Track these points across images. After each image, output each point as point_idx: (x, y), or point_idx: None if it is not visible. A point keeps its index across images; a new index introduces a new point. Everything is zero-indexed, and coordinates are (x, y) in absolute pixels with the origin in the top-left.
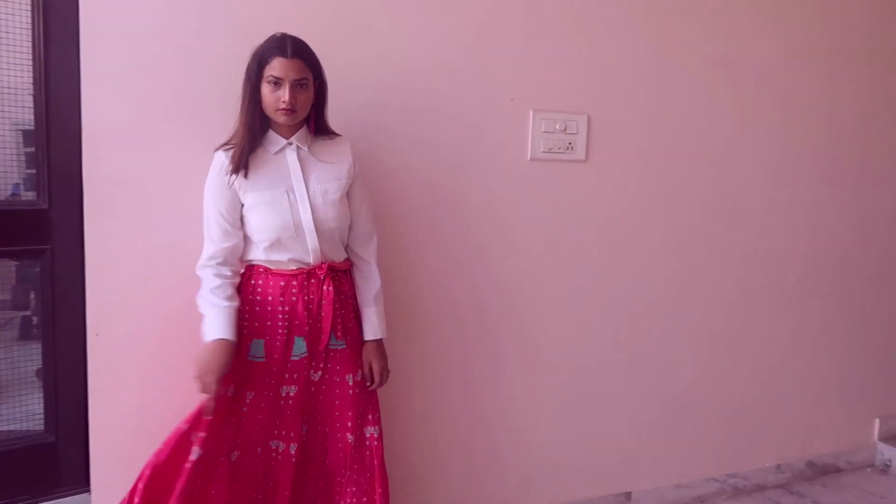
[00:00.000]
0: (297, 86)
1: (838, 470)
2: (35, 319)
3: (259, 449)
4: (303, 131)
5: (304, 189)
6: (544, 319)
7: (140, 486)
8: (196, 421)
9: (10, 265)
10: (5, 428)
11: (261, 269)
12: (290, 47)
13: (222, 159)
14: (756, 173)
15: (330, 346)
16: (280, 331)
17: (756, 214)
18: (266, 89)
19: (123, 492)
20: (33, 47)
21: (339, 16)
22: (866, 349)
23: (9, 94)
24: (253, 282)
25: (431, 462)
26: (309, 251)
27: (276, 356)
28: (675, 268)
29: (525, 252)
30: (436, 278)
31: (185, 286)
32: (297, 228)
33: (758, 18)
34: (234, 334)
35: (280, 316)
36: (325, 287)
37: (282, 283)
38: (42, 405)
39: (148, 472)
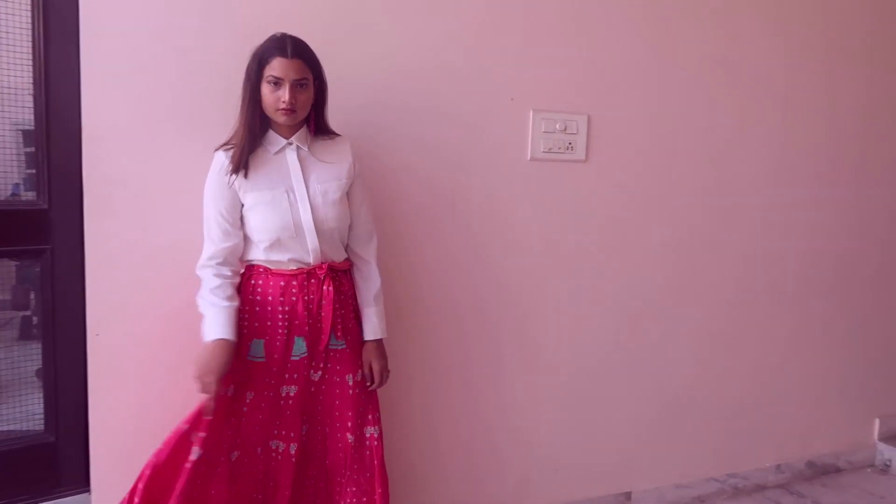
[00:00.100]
0: (297, 86)
1: (838, 470)
2: (35, 319)
3: (259, 449)
4: (303, 131)
5: (304, 189)
6: (544, 319)
7: (140, 485)
8: (196, 421)
9: (10, 265)
10: (5, 428)
11: (261, 269)
12: (290, 47)
13: (222, 159)
14: (756, 173)
15: (330, 347)
16: (280, 331)
17: (756, 214)
18: (266, 89)
19: (123, 492)
20: (33, 47)
21: (339, 15)
22: (866, 349)
23: (9, 94)
24: (253, 282)
25: (431, 462)
26: (309, 251)
27: (276, 356)
28: (675, 268)
29: (525, 252)
30: (435, 278)
31: (185, 286)
32: (297, 228)
33: (758, 19)
34: (234, 334)
35: (280, 316)
36: (325, 287)
37: (282, 283)
38: (42, 405)
39: (148, 472)
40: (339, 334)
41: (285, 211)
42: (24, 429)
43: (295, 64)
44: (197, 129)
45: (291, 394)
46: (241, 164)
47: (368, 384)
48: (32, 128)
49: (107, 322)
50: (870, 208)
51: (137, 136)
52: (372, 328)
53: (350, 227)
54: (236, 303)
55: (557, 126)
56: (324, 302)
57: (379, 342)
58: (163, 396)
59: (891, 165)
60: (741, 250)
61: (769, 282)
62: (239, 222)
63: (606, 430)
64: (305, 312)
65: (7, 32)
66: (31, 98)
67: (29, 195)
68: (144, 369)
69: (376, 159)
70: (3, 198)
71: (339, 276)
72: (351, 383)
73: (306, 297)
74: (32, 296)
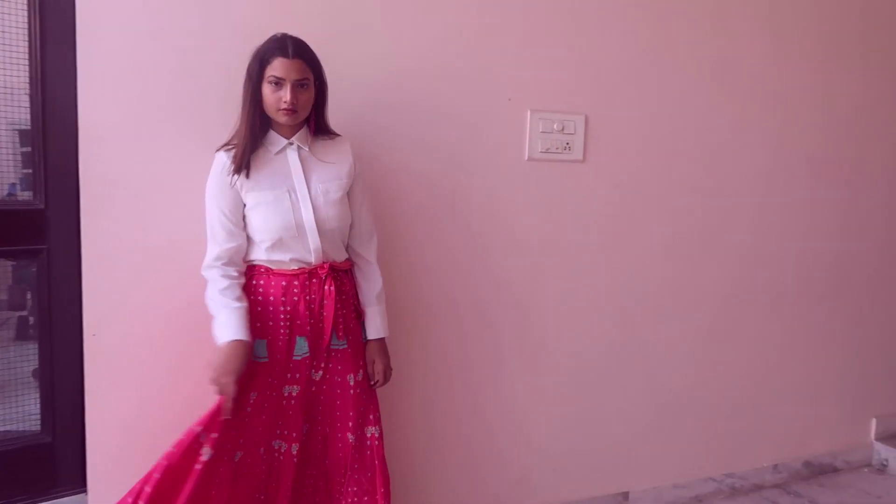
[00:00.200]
0: (298, 86)
1: (835, 470)
2: (31, 320)
3: (262, 449)
4: (303, 131)
5: (306, 189)
6: (542, 320)
7: (147, 489)
8: (210, 422)
9: (7, 265)
10: (2, 428)
11: (262, 270)
12: (292, 47)
13: (224, 160)
14: (752, 173)
15: (331, 346)
16: (282, 331)
17: (753, 214)
18: (267, 89)
19: (120, 492)
20: (30, 46)
21: (337, 15)
22: (863, 349)
23: (5, 93)
24: (254, 282)
25: (430, 462)
26: (311, 251)
27: (278, 356)
28: (673, 268)
29: (522, 252)
30: (433, 278)
31: (183, 286)
32: (299, 228)
33: (754, 20)
34: (249, 335)
35: (282, 316)
36: (326, 287)
37: (283, 283)
38: (39, 405)
39: (158, 475)
40: (340, 334)
41: (287, 211)
42: (21, 429)
43: (296, 64)
44: (194, 129)
45: (294, 394)
46: (243, 165)
47: (372, 383)
48: (29, 127)
49: (103, 322)
50: (866, 209)
51: (134, 135)
52: (375, 327)
53: (351, 227)
54: (246, 303)
55: (555, 126)
56: (325, 302)
57: (381, 341)
58: (160, 397)
59: (886, 166)
60: (738, 250)
61: (767, 282)
62: (242, 222)
63: (604, 429)
64: (307, 312)
65: (3, 32)
66: (27, 97)
67: (25, 195)
68: (141, 369)
69: (375, 159)
70: None
71: (340, 275)
72: (352, 383)
73: (308, 297)
74: (29, 296)
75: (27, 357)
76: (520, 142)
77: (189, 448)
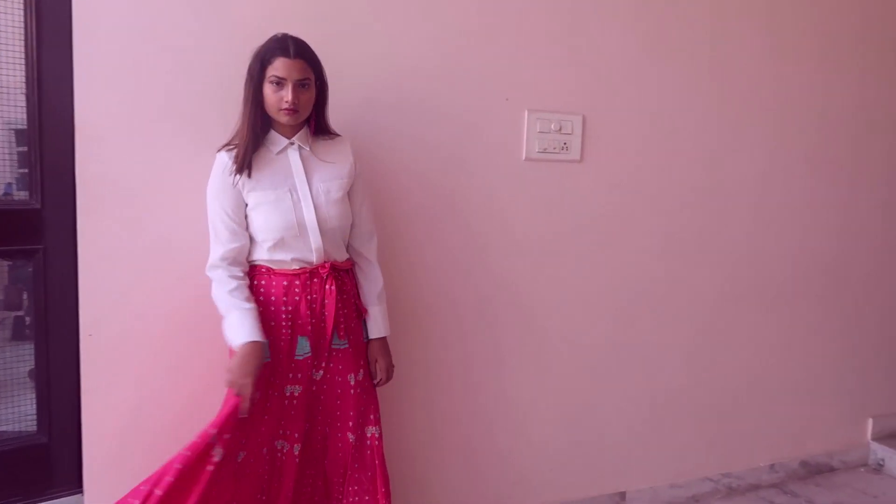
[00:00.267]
0: (299, 86)
1: (832, 469)
2: (28, 320)
3: (265, 449)
4: (304, 131)
5: (307, 188)
6: (540, 320)
7: (158, 492)
8: (224, 423)
9: (3, 265)
10: None
11: (263, 270)
12: (293, 47)
13: (225, 160)
14: (750, 174)
15: (332, 346)
16: (284, 331)
17: (750, 215)
18: (268, 89)
19: (116, 492)
20: (26, 46)
21: (335, 16)
22: (860, 349)
23: (1, 93)
24: (255, 282)
25: (429, 462)
26: (312, 250)
27: (280, 356)
28: (670, 268)
29: (520, 252)
30: (430, 278)
31: (180, 286)
32: (301, 228)
33: (751, 21)
34: (263, 335)
35: (283, 316)
36: (327, 286)
37: (284, 283)
38: (35, 406)
39: (171, 478)
40: (341, 334)
41: (288, 210)
42: (17, 430)
43: (297, 64)
44: (191, 129)
45: (296, 394)
46: (245, 165)
47: (375, 381)
48: (25, 127)
49: (100, 322)
50: (863, 209)
51: (131, 135)
52: (376, 326)
53: (351, 227)
54: (254, 303)
55: (552, 126)
56: (326, 301)
57: (383, 340)
58: (157, 397)
59: (883, 166)
60: (736, 250)
61: (764, 282)
62: (244, 222)
63: (601, 430)
64: (308, 312)
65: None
66: (23, 97)
67: (21, 195)
68: (138, 370)
69: (373, 158)
70: None
71: (341, 275)
72: (353, 383)
73: (309, 297)
74: (25, 296)
75: (23, 357)
76: (517, 142)
77: (203, 451)
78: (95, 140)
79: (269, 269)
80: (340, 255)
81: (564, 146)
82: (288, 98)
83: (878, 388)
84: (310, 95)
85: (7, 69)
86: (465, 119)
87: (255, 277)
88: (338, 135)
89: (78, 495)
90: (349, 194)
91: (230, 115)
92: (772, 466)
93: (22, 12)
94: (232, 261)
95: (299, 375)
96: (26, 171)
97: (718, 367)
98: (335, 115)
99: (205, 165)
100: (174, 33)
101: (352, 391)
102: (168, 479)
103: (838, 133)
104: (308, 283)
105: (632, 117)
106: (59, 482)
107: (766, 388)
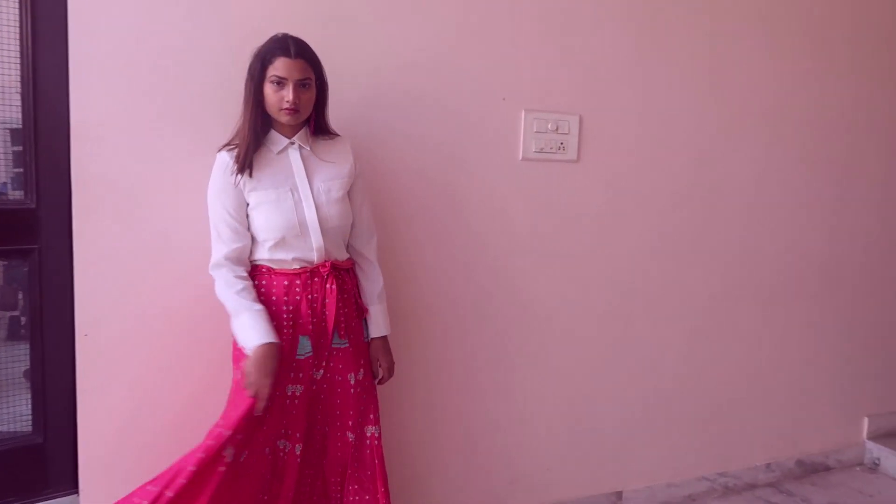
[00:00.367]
0: (300, 85)
1: (828, 468)
2: (23, 320)
3: (267, 449)
4: (304, 131)
5: (308, 188)
6: (536, 320)
7: (169, 493)
8: (239, 424)
9: None
10: None
11: (264, 270)
12: (294, 47)
13: (226, 159)
14: (745, 174)
15: (333, 345)
16: (285, 330)
17: (745, 214)
18: (269, 89)
19: (112, 493)
20: (21, 44)
21: (332, 15)
22: (855, 348)
23: None
24: (256, 282)
25: (424, 462)
26: (313, 249)
27: (282, 356)
28: (666, 267)
29: (516, 252)
30: (428, 278)
31: (176, 286)
32: (302, 227)
33: (747, 21)
34: (277, 336)
35: (285, 315)
36: (328, 285)
37: (285, 283)
38: (30, 406)
39: (184, 480)
40: (341, 333)
41: (290, 209)
42: (12, 430)
43: (298, 64)
44: (187, 128)
45: (297, 393)
46: (246, 164)
47: (377, 380)
48: (20, 126)
49: (95, 322)
50: (857, 209)
51: (127, 134)
52: (377, 325)
53: (351, 226)
54: (262, 304)
55: (549, 126)
56: (327, 300)
57: (384, 339)
58: (152, 397)
59: (877, 167)
60: (731, 250)
61: (759, 281)
62: (246, 221)
63: (597, 429)
64: (309, 311)
65: None
66: (18, 96)
67: (16, 194)
68: (134, 370)
69: (371, 158)
70: None
71: (341, 274)
72: (353, 382)
73: (310, 296)
74: (20, 296)
75: (19, 357)
76: (514, 141)
77: (217, 453)
78: (91, 139)
79: (269, 269)
80: (341, 255)
81: (561, 146)
82: (289, 98)
83: (874, 387)
84: (310, 95)
85: (2, 68)
86: (462, 119)
87: (255, 277)
88: (337, 135)
89: (73, 496)
90: (349, 194)
91: (228, 114)
92: (768, 466)
93: (17, 10)
94: (236, 260)
95: (301, 375)
96: (21, 170)
97: (714, 367)
98: (331, 113)
99: (202, 165)
100: (171, 32)
101: (352, 390)
102: (181, 480)
103: (833, 133)
104: (309, 282)
105: (628, 117)
106: (55, 483)
107: (762, 387)
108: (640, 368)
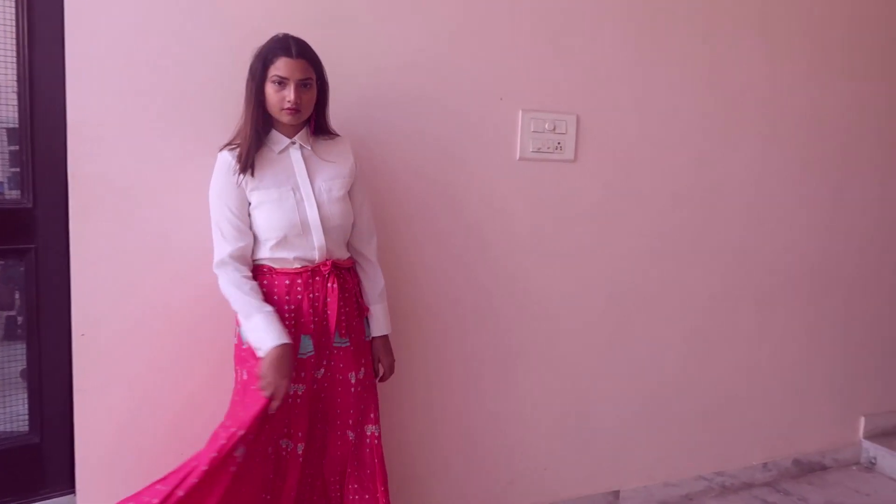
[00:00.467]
0: (301, 85)
1: (824, 468)
2: (20, 319)
3: (270, 448)
4: (304, 131)
5: (310, 187)
6: (535, 319)
7: (180, 493)
8: (252, 424)
9: None
10: None
11: (265, 269)
12: (295, 47)
13: (228, 159)
14: (742, 174)
15: (334, 344)
16: (288, 330)
17: (742, 215)
18: (270, 89)
19: (109, 493)
20: (17, 44)
21: (330, 15)
22: (851, 348)
23: None
24: (257, 281)
25: (424, 461)
26: (315, 248)
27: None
28: (663, 267)
29: (512, 251)
30: (424, 278)
31: (173, 286)
32: (304, 226)
33: (744, 22)
34: (289, 336)
35: (287, 315)
36: (329, 284)
37: (286, 282)
38: (27, 406)
39: (195, 479)
40: (342, 332)
41: (292, 209)
42: (9, 430)
43: (300, 64)
44: (184, 128)
45: (300, 392)
46: (248, 164)
47: (378, 377)
48: (16, 126)
49: (92, 322)
50: (854, 209)
51: (123, 134)
52: (379, 325)
53: (352, 226)
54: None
55: (546, 126)
56: (329, 299)
57: (385, 338)
58: (150, 397)
59: (874, 168)
60: (728, 250)
61: (756, 281)
62: (248, 220)
63: (594, 429)
64: (311, 310)
65: None
66: (14, 95)
67: (13, 194)
68: (131, 370)
69: (369, 157)
70: None
71: (343, 273)
72: (353, 381)
73: (311, 295)
74: (17, 295)
75: (15, 357)
76: (511, 141)
77: (230, 452)
78: (88, 138)
79: (270, 269)
80: (342, 254)
81: (558, 146)
82: (290, 98)
83: (870, 386)
84: (311, 95)
85: None
86: (461, 119)
87: (256, 277)
88: (337, 135)
89: (70, 496)
90: (349, 194)
91: (226, 113)
92: (765, 465)
93: (13, 9)
94: (240, 259)
95: (303, 374)
96: (18, 169)
97: (712, 367)
98: (331, 113)
99: (200, 165)
100: (169, 31)
101: (352, 389)
102: (192, 479)
103: (830, 134)
104: (310, 281)
105: (626, 117)
106: (52, 482)
107: (760, 387)
108: (637, 368)
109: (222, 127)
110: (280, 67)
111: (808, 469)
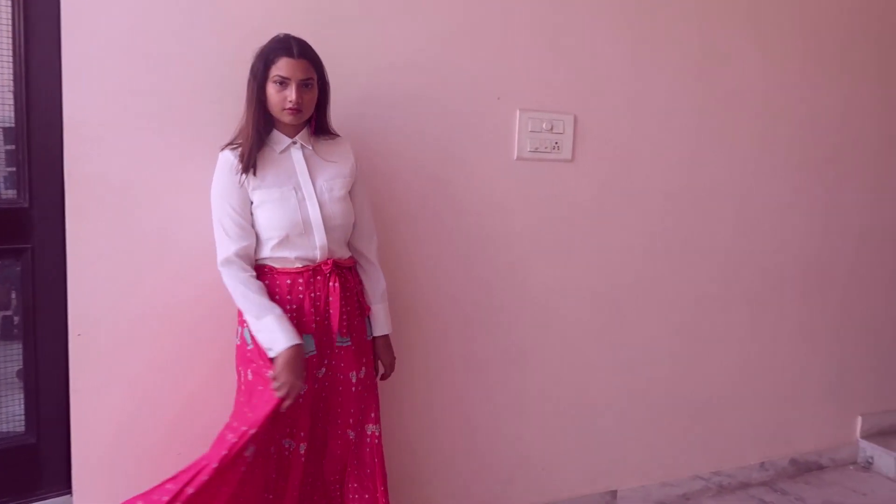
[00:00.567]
0: (303, 85)
1: (821, 467)
2: (16, 319)
3: (272, 448)
4: (305, 131)
5: (311, 186)
6: (530, 319)
7: (190, 490)
8: (263, 423)
9: None
10: None
11: (266, 269)
12: (296, 48)
13: (230, 158)
14: (738, 174)
15: (336, 344)
16: None
17: (739, 214)
18: (272, 89)
19: (106, 493)
20: (13, 43)
21: (332, 15)
22: (848, 347)
23: None
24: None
25: (421, 461)
26: (317, 248)
27: None
28: (660, 267)
29: (510, 251)
30: (418, 278)
31: (170, 286)
32: (306, 225)
33: (739, 22)
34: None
35: (288, 314)
36: (331, 283)
37: (288, 282)
38: (23, 406)
39: (206, 477)
40: (344, 331)
41: (293, 208)
42: (5, 430)
43: (301, 64)
44: (182, 127)
45: (302, 392)
46: (250, 164)
47: (379, 376)
48: (13, 125)
49: (89, 322)
50: (849, 209)
51: (120, 133)
52: (380, 324)
53: (353, 226)
54: None
55: (544, 125)
56: (331, 298)
57: (387, 337)
58: (146, 397)
59: (867, 167)
60: (725, 249)
61: (752, 281)
62: (251, 219)
63: (592, 428)
64: (312, 309)
65: None
66: (11, 95)
67: (9, 193)
68: (127, 370)
69: (369, 155)
70: None
71: (344, 272)
72: (354, 381)
73: (313, 294)
74: (13, 295)
75: (11, 357)
76: (508, 141)
77: (240, 451)
78: (84, 138)
79: (271, 269)
80: (344, 254)
81: (556, 146)
82: (292, 98)
83: (867, 386)
84: (313, 95)
85: None
86: (459, 119)
87: (258, 277)
88: (338, 135)
89: (67, 496)
90: (350, 194)
91: (225, 113)
92: (762, 465)
93: (9, 7)
94: (245, 258)
95: (304, 374)
96: (14, 169)
97: (708, 366)
98: (331, 112)
99: (197, 165)
100: (166, 30)
101: (353, 389)
102: (203, 477)
103: (824, 134)
104: (311, 280)
105: (623, 117)
106: (48, 483)
107: (756, 386)
108: (634, 368)
109: (221, 127)
110: (282, 67)
111: (805, 469)
